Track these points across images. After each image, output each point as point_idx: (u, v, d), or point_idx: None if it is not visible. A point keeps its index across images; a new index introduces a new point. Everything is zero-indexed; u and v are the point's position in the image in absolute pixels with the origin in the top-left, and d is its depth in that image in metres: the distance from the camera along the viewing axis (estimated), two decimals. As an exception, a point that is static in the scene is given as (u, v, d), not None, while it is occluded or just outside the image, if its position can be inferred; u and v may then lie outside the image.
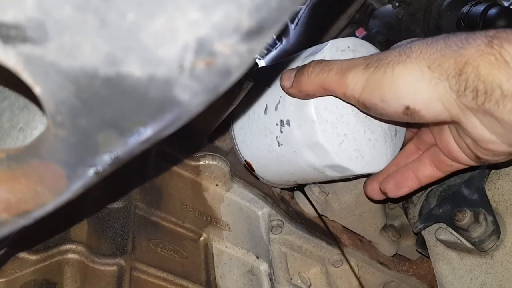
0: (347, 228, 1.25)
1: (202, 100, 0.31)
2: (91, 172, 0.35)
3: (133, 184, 0.86)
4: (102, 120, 0.31)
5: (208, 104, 0.33)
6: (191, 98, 0.31)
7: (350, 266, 1.15)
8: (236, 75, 0.32)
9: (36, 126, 0.51)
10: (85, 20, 0.26)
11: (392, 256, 1.31)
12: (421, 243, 1.14)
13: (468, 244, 1.01)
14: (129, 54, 0.28)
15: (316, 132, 0.88)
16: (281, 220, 1.09)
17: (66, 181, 0.35)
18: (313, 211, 1.16)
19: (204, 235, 0.93)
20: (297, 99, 0.91)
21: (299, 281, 1.13)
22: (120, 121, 0.31)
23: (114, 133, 0.32)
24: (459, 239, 1.02)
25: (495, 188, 1.01)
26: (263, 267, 0.99)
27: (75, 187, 0.36)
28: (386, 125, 0.96)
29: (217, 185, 1.02)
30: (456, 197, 1.04)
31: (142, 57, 0.28)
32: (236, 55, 0.30)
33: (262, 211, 1.08)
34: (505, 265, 0.96)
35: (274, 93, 0.96)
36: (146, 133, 0.32)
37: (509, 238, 0.97)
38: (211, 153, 1.00)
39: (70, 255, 0.74)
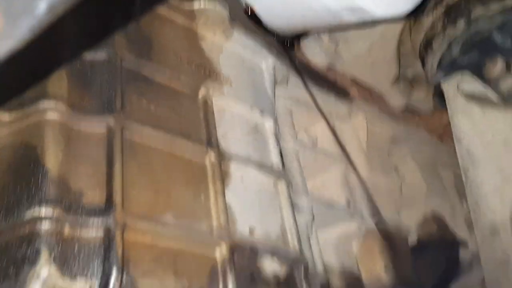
0: (356, 81, 1.15)
1: None
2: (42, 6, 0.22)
3: (117, 28, 0.73)
4: None
5: None
6: None
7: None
8: None
9: None
10: None
11: (403, 109, 1.23)
12: (439, 95, 1.06)
13: (494, 97, 0.91)
14: None
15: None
16: (287, 73, 0.98)
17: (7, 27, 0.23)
18: (322, 61, 1.05)
19: (203, 90, 0.82)
20: None
21: (305, 137, 1.06)
22: None
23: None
24: (485, 91, 0.92)
25: (532, 33, 0.89)
26: (268, 123, 0.91)
27: (21, 31, 0.24)
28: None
29: (215, 33, 0.89)
30: (486, 44, 0.93)
31: None
32: None
33: (266, 62, 0.96)
34: (533, 119, 0.88)
35: None
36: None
37: (541, 90, 0.88)
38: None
39: (50, 114, 0.63)
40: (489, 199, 0.93)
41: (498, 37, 0.92)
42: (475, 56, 0.94)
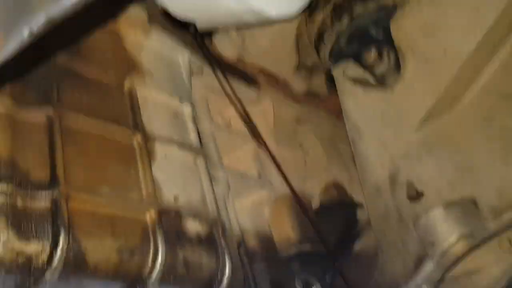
0: (263, 70, 1.31)
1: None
2: (25, 33, 0.35)
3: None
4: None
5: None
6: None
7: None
8: None
9: None
10: None
11: (304, 93, 1.41)
12: (331, 80, 1.24)
13: (372, 80, 1.11)
14: None
15: (233, -24, 0.88)
16: (201, 65, 1.13)
17: (3, 42, 0.35)
18: (232, 54, 1.20)
19: (128, 82, 0.95)
20: None
21: (220, 120, 1.21)
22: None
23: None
24: (364, 75, 1.12)
25: (399, 27, 1.09)
26: (186, 109, 1.05)
27: (11, 47, 0.36)
28: (301, -33, 0.97)
29: (135, 32, 1.02)
30: (364, 36, 1.12)
31: None
32: None
33: (183, 56, 1.10)
34: (403, 97, 1.08)
35: None
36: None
37: (408, 72, 1.08)
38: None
39: (-3, 108, 0.74)
40: (371, 164, 1.12)
41: (373, 30, 1.11)
42: (356, 47, 1.12)
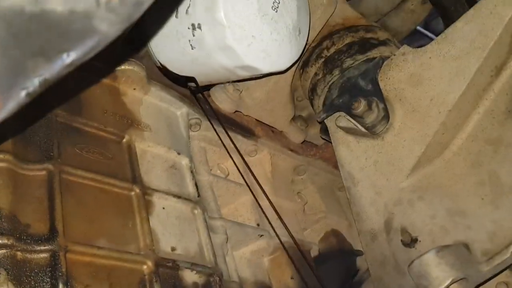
0: (260, 121, 1.36)
1: (118, 28, 0.37)
2: (23, 94, 0.39)
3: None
4: (30, 50, 0.35)
5: (125, 31, 0.38)
6: (109, 27, 0.36)
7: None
8: (147, 4, 0.37)
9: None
10: (8, -34, 0.30)
11: (301, 143, 1.45)
12: (325, 130, 1.28)
13: (363, 129, 1.15)
14: (50, -7, 0.32)
15: (226, 35, 0.94)
16: (199, 118, 1.17)
17: (1, 103, 0.39)
18: (229, 107, 1.25)
19: (127, 137, 0.99)
20: (207, 3, 0.95)
21: (218, 171, 1.25)
22: (47, 49, 0.36)
23: (42, 60, 0.36)
24: (356, 125, 1.16)
25: (386, 78, 1.14)
26: (185, 161, 1.09)
27: (9, 107, 0.41)
28: (290, 26, 1.03)
29: (134, 89, 1.07)
30: (354, 88, 1.17)
31: (62, -5, 0.33)
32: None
33: (181, 111, 1.15)
34: (394, 145, 1.12)
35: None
36: (70, 58, 0.37)
37: (397, 121, 1.12)
38: (126, 59, 1.04)
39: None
40: (367, 210, 1.14)
41: (362, 82, 1.16)
42: (346, 98, 1.17)
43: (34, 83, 0.39)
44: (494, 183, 1.01)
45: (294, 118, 1.41)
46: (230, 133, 1.26)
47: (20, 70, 0.37)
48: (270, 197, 1.28)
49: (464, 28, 1.06)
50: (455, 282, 0.92)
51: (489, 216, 0.99)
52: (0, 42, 0.35)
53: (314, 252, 1.33)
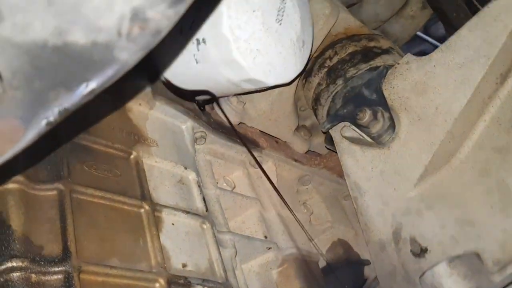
0: (264, 132, 1.36)
1: (137, 57, 0.37)
2: (43, 123, 0.39)
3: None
4: (52, 81, 0.35)
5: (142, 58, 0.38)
6: (129, 56, 0.36)
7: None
8: (165, 32, 0.37)
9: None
10: (34, 1, 0.30)
11: (305, 153, 1.45)
12: (329, 140, 1.28)
13: (368, 139, 1.15)
14: (74, 26, 0.32)
15: (231, 50, 0.94)
16: (204, 132, 1.17)
17: (23, 132, 0.39)
18: (233, 119, 1.25)
19: (134, 153, 0.99)
20: (211, 18, 0.95)
21: (224, 184, 1.24)
22: (68, 80, 0.36)
23: (63, 91, 0.36)
24: (361, 135, 1.16)
25: (391, 87, 1.14)
26: (191, 176, 1.09)
27: (30, 137, 0.40)
28: (294, 38, 1.04)
29: (140, 104, 1.07)
30: (358, 97, 1.17)
31: (85, 27, 0.33)
32: (165, 18, 0.35)
33: (186, 125, 1.15)
34: (400, 154, 1.12)
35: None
36: (90, 87, 0.37)
37: (402, 131, 1.12)
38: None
39: (11, 185, 0.78)
40: (374, 221, 1.14)
41: (366, 92, 1.16)
42: (351, 108, 1.17)
43: (54, 113, 0.39)
44: (503, 191, 1.01)
45: (297, 128, 1.41)
46: (234, 145, 1.26)
47: (42, 101, 0.37)
48: (276, 208, 1.29)
49: (468, 36, 1.06)
50: (467, 292, 0.92)
51: (499, 225, 0.99)
52: (24, 75, 0.35)
53: (321, 263, 1.33)
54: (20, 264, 0.70)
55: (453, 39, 1.08)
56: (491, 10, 1.04)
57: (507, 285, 0.98)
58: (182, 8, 0.36)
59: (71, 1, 0.32)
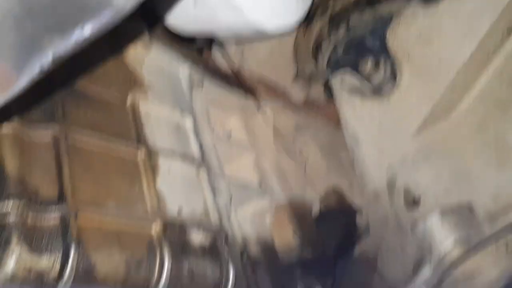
0: (262, 80, 1.34)
1: (134, 2, 0.35)
2: (36, 69, 0.38)
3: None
4: (45, 24, 0.33)
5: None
6: (125, 1, 0.34)
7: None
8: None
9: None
10: None
11: (303, 101, 1.44)
12: (328, 89, 1.27)
13: (369, 89, 1.14)
14: (69, -33, 0.30)
15: (231, -7, 0.91)
16: (201, 77, 1.15)
17: (15, 78, 0.38)
18: (232, 66, 1.22)
19: (130, 98, 0.98)
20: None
21: (221, 131, 1.24)
22: (62, 24, 0.34)
23: (57, 35, 0.35)
24: (362, 85, 1.14)
25: (395, 36, 1.11)
26: (188, 121, 1.08)
27: (23, 83, 0.39)
28: (297, -18, 1.00)
29: (136, 49, 1.04)
30: (360, 45, 1.15)
31: (81, -32, 0.31)
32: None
33: (183, 70, 1.13)
34: (400, 105, 1.11)
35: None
36: (85, 32, 0.36)
37: (404, 82, 1.10)
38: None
39: (5, 130, 0.77)
40: (370, 171, 1.15)
41: (369, 40, 1.14)
42: (353, 56, 1.15)
43: (48, 59, 0.38)
44: (500, 145, 1.01)
45: (297, 76, 1.39)
46: (232, 92, 1.25)
47: (34, 45, 0.36)
48: (272, 155, 1.29)
49: (477, -13, 1.03)
50: (458, 242, 0.94)
51: (493, 178, 1.00)
52: (14, 17, 0.33)
53: (315, 210, 1.35)
54: (16, 206, 0.70)
55: (461, -12, 1.05)
56: (502, -40, 1.00)
57: (497, 236, 1.00)
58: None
59: None
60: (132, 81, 1.00)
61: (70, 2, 0.33)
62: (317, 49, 1.29)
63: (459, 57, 1.03)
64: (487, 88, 1.05)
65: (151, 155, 0.94)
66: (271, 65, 1.30)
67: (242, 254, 1.06)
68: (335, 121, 1.48)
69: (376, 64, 1.10)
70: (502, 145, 1.02)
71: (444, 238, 0.95)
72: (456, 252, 0.95)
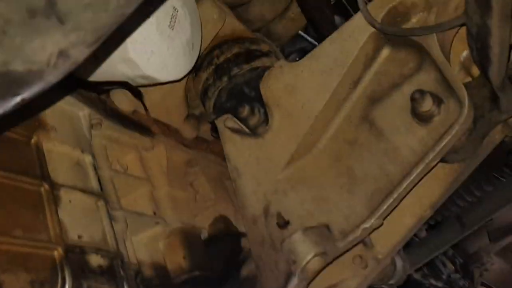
0: (156, 120, 1.50)
1: (60, 78, 0.51)
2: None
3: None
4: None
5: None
6: (53, 78, 0.50)
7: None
8: (82, 60, 0.52)
9: None
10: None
11: (194, 138, 1.62)
12: (215, 129, 1.46)
13: (247, 130, 1.34)
14: (16, 59, 0.45)
15: (128, 50, 1.08)
16: (100, 118, 1.29)
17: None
18: (128, 107, 1.37)
19: (35, 137, 1.09)
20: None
21: (118, 166, 1.37)
22: (5, 94, 0.48)
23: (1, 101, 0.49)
24: (241, 126, 1.35)
25: (267, 87, 1.34)
26: (88, 158, 1.21)
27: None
28: (185, 41, 1.19)
29: (41, 92, 1.16)
30: (240, 94, 1.36)
31: (24, 60, 0.46)
32: (82, 55, 0.49)
33: (83, 112, 1.26)
34: (272, 144, 1.32)
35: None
36: (23, 98, 0.50)
37: (275, 124, 1.32)
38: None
39: None
40: (249, 199, 1.35)
41: (246, 89, 1.36)
42: (234, 102, 1.36)
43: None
44: (350, 175, 1.25)
45: (187, 116, 1.57)
46: (128, 131, 1.39)
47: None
48: (165, 188, 1.45)
49: (329, 47, 1.28)
50: (317, 256, 1.15)
51: (345, 202, 1.23)
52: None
53: (204, 235, 1.51)
54: None
55: (317, 49, 1.30)
56: (347, 27, 1.27)
57: (349, 249, 1.24)
58: (95, 46, 0.50)
59: (17, 43, 0.45)
60: (36, 123, 1.12)
61: (14, 81, 0.48)
62: (204, 95, 1.48)
63: (317, 105, 1.27)
64: (339, 129, 1.30)
65: (54, 189, 1.06)
66: (164, 108, 1.46)
67: (136, 275, 1.19)
68: (222, 156, 1.67)
69: (252, 110, 1.31)
70: (352, 175, 1.26)
71: (305, 253, 1.15)
72: (315, 264, 1.17)
